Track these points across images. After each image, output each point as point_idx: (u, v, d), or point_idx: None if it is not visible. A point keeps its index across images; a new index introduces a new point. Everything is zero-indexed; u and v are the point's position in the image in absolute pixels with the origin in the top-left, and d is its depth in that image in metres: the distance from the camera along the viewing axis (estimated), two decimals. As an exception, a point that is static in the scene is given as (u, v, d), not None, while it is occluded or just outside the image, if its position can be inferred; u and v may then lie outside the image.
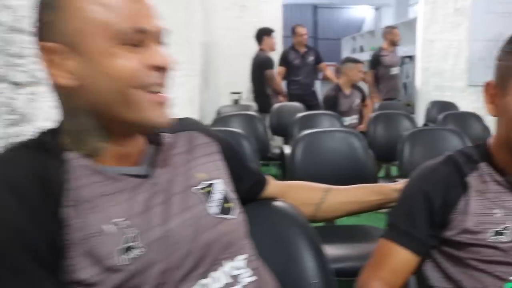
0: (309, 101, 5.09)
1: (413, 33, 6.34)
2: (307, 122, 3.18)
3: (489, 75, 1.03)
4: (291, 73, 5.37)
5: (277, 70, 5.34)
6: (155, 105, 0.72)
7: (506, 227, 0.93)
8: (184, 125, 0.92)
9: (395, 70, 5.40)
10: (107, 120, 0.72)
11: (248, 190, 1.02)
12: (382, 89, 5.31)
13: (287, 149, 3.11)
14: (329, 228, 2.20)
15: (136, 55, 0.70)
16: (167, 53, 0.72)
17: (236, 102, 5.48)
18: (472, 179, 0.99)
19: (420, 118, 5.61)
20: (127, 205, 0.71)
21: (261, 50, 5.05)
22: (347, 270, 1.62)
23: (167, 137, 0.86)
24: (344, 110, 4.11)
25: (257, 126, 3.30)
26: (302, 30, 5.35)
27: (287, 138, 3.93)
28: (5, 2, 0.78)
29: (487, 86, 1.00)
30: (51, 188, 0.65)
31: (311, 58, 5.42)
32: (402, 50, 8.18)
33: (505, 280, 0.90)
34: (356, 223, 2.29)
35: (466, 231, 0.94)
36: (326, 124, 3.22)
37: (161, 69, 0.72)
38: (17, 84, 0.82)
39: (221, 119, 3.29)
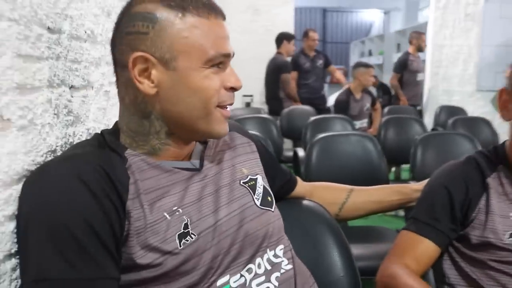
0: (319, 105, 5.17)
1: (423, 37, 6.39)
2: (319, 126, 3.25)
3: (498, 80, 1.10)
4: (301, 76, 5.44)
5: (291, 76, 5.42)
6: (225, 119, 0.83)
7: None
8: None
9: (420, 76, 5.41)
10: (179, 126, 0.81)
11: (280, 189, 1.09)
12: (406, 94, 5.32)
13: (301, 152, 3.18)
14: (342, 229, 2.27)
15: (218, 76, 0.80)
16: (237, 74, 0.82)
17: (248, 105, 5.55)
18: (492, 181, 1.06)
19: (429, 122, 5.67)
20: (183, 194, 0.79)
21: (278, 53, 5.12)
22: (362, 269, 1.69)
23: None
24: (354, 114, 4.19)
25: (271, 128, 3.37)
26: (314, 35, 5.43)
27: (298, 140, 3.99)
28: (66, 12, 0.85)
29: (501, 93, 1.07)
30: (115, 182, 0.72)
31: (320, 62, 5.49)
32: (411, 55, 8.25)
33: None
34: (365, 224, 2.36)
35: (488, 230, 1.01)
36: (338, 127, 3.29)
37: (234, 89, 0.82)
38: (73, 88, 0.89)
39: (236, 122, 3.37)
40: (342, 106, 4.17)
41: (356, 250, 1.90)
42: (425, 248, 1.06)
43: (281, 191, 1.11)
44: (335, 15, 14.52)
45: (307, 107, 4.72)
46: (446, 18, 6.04)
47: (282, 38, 5.13)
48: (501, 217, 1.01)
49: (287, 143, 4.94)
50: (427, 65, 6.16)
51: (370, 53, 10.74)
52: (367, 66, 4.29)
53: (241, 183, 0.90)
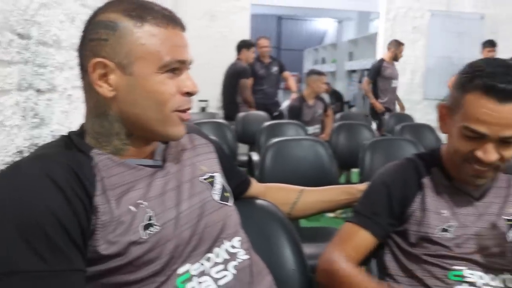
0: (273, 110, 5.28)
1: (373, 46, 6.64)
2: (273, 131, 3.34)
3: (442, 89, 1.22)
4: (256, 83, 5.54)
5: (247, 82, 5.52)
6: (182, 123, 0.88)
7: (450, 225, 1.11)
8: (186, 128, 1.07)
9: (395, 83, 5.51)
10: (137, 128, 0.87)
11: (235, 189, 1.16)
12: (383, 99, 5.40)
13: (255, 156, 3.26)
14: (296, 230, 2.36)
15: (173, 81, 0.86)
16: (193, 80, 0.88)
17: (203, 109, 5.60)
18: (427, 181, 1.17)
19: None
20: (147, 189, 0.86)
21: (238, 59, 5.20)
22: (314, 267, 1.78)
23: None
24: (307, 120, 4.32)
25: (226, 133, 3.44)
26: (262, 42, 5.54)
27: (253, 145, 4.08)
28: (34, 18, 0.89)
29: (440, 108, 1.17)
30: (83, 180, 0.78)
31: (275, 69, 5.61)
32: (362, 63, 8.54)
33: (449, 270, 1.08)
34: (319, 225, 2.46)
35: (423, 225, 1.12)
36: (291, 132, 3.40)
37: (190, 94, 0.88)
38: (39, 91, 0.93)
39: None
40: (295, 112, 4.29)
41: (309, 249, 1.99)
42: (363, 239, 1.16)
43: (236, 191, 1.18)
44: (290, 23, 14.77)
45: (261, 113, 4.81)
46: (395, 30, 6.33)
47: (242, 46, 5.21)
48: (435, 214, 1.12)
49: (242, 148, 5.02)
50: (377, 73, 6.41)
51: (323, 61, 11.01)
52: (319, 73, 4.43)
53: (201, 179, 0.97)
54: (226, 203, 0.99)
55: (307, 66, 11.63)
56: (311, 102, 4.39)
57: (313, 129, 4.38)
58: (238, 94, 5.08)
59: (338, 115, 4.88)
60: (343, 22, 13.01)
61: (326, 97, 9.74)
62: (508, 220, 1.13)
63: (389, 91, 5.40)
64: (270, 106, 5.39)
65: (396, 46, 5.42)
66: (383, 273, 1.19)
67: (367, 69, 8.00)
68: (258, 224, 1.18)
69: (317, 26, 14.79)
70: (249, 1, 6.07)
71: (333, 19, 13.76)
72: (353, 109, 9.23)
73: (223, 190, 1.01)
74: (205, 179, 0.98)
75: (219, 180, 1.02)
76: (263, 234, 1.17)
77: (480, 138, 1.03)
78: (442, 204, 1.14)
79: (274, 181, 2.35)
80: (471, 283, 1.06)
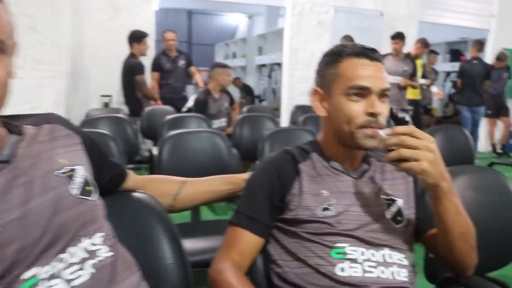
0: (180, 105, 5.18)
1: (281, 41, 6.74)
2: (176, 124, 3.27)
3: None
4: (162, 77, 5.42)
5: (152, 76, 5.36)
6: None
7: (331, 203, 1.13)
8: (47, 118, 0.98)
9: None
10: None
11: (109, 182, 1.09)
12: None
13: (155, 151, 3.16)
14: (194, 224, 2.32)
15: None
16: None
17: (106, 105, 5.37)
18: (304, 166, 1.18)
19: (285, 121, 6.00)
20: None
21: (131, 54, 5.01)
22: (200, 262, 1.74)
23: (30, 129, 0.92)
24: (213, 114, 4.28)
25: (127, 129, 3.31)
26: (168, 35, 5.44)
27: (157, 140, 3.97)
28: None
29: (313, 92, 1.21)
30: None
31: (182, 62, 5.52)
32: (271, 58, 8.66)
33: (332, 247, 1.09)
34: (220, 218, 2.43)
35: (302, 208, 1.12)
36: (194, 126, 3.34)
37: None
38: None
39: (89, 121, 3.25)
40: (201, 105, 4.23)
41: (204, 243, 1.96)
42: (248, 241, 1.14)
43: (111, 184, 1.11)
44: (201, 18, 14.68)
45: (167, 107, 4.71)
46: (300, 24, 6.46)
47: (132, 39, 5.02)
48: (313, 196, 1.13)
49: (149, 144, 4.88)
50: (284, 67, 6.52)
51: (234, 55, 11.04)
52: (223, 66, 4.40)
53: (57, 173, 0.88)
54: (88, 197, 0.91)
55: (218, 60, 11.59)
56: (216, 95, 4.35)
57: (219, 122, 4.35)
58: (137, 90, 4.93)
59: (245, 108, 4.90)
60: (253, 17, 13.12)
61: (236, 92, 9.84)
62: (386, 199, 1.17)
63: None
64: (177, 101, 5.29)
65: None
66: (267, 261, 1.17)
67: (277, 63, 8.14)
68: (133, 218, 1.11)
69: (228, 21, 14.82)
70: (154, -7, 5.91)
71: (243, 14, 13.85)
72: (264, 103, 9.33)
73: (85, 183, 0.92)
74: (63, 172, 0.89)
75: (81, 173, 0.93)
76: (138, 228, 1.10)
77: (365, 95, 1.12)
78: (321, 185, 1.15)
79: (171, 174, 2.31)
80: (352, 260, 1.07)
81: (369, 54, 1.14)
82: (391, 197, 1.18)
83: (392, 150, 1.01)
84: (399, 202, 1.18)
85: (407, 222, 1.17)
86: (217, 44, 12.89)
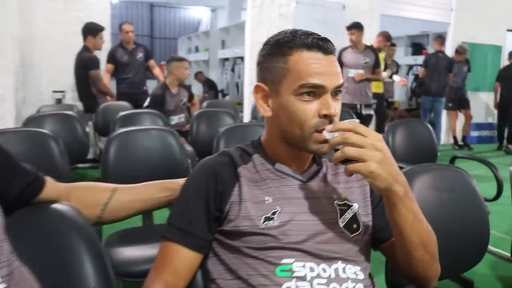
0: (140, 100, 4.95)
1: (244, 35, 6.60)
2: (129, 121, 3.09)
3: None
4: (120, 71, 5.19)
5: (105, 68, 5.12)
6: None
7: (275, 212, 0.98)
8: None
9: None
10: None
11: (22, 191, 0.93)
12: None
13: (107, 149, 2.98)
14: (145, 229, 2.17)
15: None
16: None
17: (59, 101, 5.09)
18: (244, 170, 1.03)
19: (249, 116, 5.87)
20: None
21: (85, 47, 4.77)
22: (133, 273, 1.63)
23: None
24: (171, 109, 4.10)
25: (76, 127, 3.10)
26: (127, 27, 5.22)
27: (112, 138, 3.77)
28: None
29: (258, 89, 1.04)
30: None
31: (140, 55, 5.30)
32: (234, 51, 8.50)
33: (277, 264, 0.95)
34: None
35: (242, 218, 0.97)
36: (148, 123, 3.17)
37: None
38: None
39: (34, 119, 3.04)
40: (158, 101, 4.04)
41: (148, 251, 1.78)
42: (182, 258, 0.99)
43: (25, 194, 0.95)
44: (163, 11, 14.37)
45: (124, 103, 4.50)
46: (262, 17, 6.33)
47: (87, 32, 4.78)
48: (255, 203, 0.99)
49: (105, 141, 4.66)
50: (246, 61, 6.39)
51: (197, 49, 10.82)
52: (180, 59, 4.21)
53: None
54: None
55: (181, 55, 11.35)
56: (174, 90, 4.17)
57: (177, 118, 4.18)
58: (92, 85, 4.70)
59: (204, 103, 4.73)
60: (216, 10, 12.95)
61: (199, 86, 9.65)
62: (339, 204, 1.04)
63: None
64: (136, 96, 5.06)
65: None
66: (207, 279, 1.03)
67: (240, 57, 7.98)
68: (49, 234, 0.95)
69: (191, 15, 14.58)
70: (108, -19, 5.64)
71: (206, 7, 13.65)
72: (227, 98, 9.17)
73: None
74: None
75: None
76: (55, 246, 0.94)
77: (318, 94, 0.97)
78: (265, 190, 1.00)
79: (119, 175, 2.14)
80: (300, 278, 0.93)
81: (323, 46, 0.97)
82: (346, 201, 1.05)
83: (338, 149, 0.89)
84: (355, 207, 1.05)
85: (364, 230, 1.04)
86: (180, 38, 12.63)
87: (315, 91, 0.96)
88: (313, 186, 1.04)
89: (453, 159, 2.82)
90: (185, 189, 1.05)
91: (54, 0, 5.23)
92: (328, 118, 0.96)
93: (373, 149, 0.86)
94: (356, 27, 5.07)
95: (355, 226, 1.03)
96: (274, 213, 0.98)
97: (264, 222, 0.97)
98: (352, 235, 1.02)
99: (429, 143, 3.09)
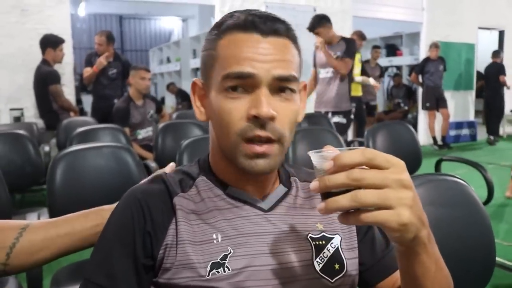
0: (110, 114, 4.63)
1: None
2: (86, 138, 2.81)
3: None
4: (94, 84, 4.86)
5: (84, 71, 4.84)
6: None
7: (226, 255, 0.72)
8: None
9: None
10: None
11: None
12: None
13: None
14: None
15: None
16: None
17: (17, 119, 4.77)
18: (183, 200, 0.77)
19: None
20: None
21: (44, 61, 4.48)
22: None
23: None
24: (137, 123, 3.83)
25: (28, 147, 2.81)
26: (95, 39, 4.94)
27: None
28: None
29: (195, 86, 0.82)
30: None
31: (113, 71, 4.95)
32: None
33: None
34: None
35: (180, 267, 0.72)
36: (108, 139, 2.90)
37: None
38: None
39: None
40: (122, 114, 3.76)
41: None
42: None
43: None
44: (133, 23, 14.07)
45: (87, 118, 4.24)
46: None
47: (45, 45, 4.50)
48: (198, 244, 0.73)
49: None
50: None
51: (168, 60, 10.56)
52: (137, 68, 3.92)
53: None
54: None
55: (153, 66, 11.08)
56: (139, 102, 3.89)
57: (145, 132, 3.90)
58: (53, 101, 4.40)
59: (174, 115, 4.47)
60: (187, 20, 12.73)
61: (173, 98, 9.37)
62: (314, 238, 0.78)
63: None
64: (110, 110, 4.73)
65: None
66: None
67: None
68: None
69: (162, 25, 14.32)
70: (67, -7, 5.35)
71: (177, 17, 13.41)
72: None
73: None
74: None
75: None
76: None
77: (250, 89, 0.72)
78: (211, 225, 0.75)
79: (67, 199, 1.88)
80: None
81: (259, 25, 0.73)
82: (324, 234, 0.79)
83: (333, 194, 0.56)
84: (336, 240, 0.79)
85: (348, 270, 0.79)
86: (151, 49, 12.35)
87: (245, 84, 0.72)
88: (278, 216, 0.79)
89: (438, 162, 2.64)
90: (105, 231, 0.78)
91: (9, 12, 4.91)
92: (260, 121, 0.71)
93: (400, 187, 0.56)
94: (320, 24, 4.15)
95: (337, 266, 0.77)
96: (225, 257, 0.72)
97: (211, 270, 0.71)
98: (334, 280, 0.76)
99: (412, 145, 2.89)
